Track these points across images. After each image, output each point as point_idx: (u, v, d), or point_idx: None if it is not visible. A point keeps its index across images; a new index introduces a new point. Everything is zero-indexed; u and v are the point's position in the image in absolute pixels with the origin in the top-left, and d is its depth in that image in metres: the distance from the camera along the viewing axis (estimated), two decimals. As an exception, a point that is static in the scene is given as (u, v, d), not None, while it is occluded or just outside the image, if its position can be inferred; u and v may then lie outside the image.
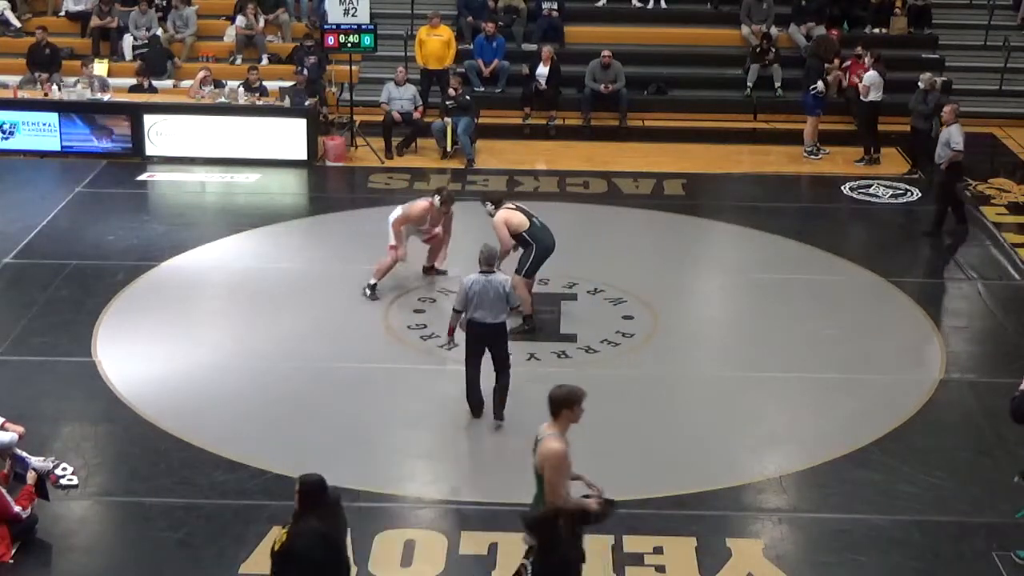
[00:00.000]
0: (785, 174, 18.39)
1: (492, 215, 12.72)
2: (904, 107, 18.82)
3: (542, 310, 13.10)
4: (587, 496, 7.57)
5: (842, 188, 17.47)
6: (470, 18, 21.64)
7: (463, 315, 10.61)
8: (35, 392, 11.22)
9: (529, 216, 12.76)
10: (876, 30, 22.30)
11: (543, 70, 20.18)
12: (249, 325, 12.83)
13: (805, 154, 18.97)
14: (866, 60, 18.97)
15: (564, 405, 7.62)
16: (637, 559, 8.95)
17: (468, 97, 18.67)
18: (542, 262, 12.70)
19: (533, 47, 21.22)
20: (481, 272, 10.51)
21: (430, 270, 13.91)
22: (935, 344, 12.59)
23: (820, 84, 18.83)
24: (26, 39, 21.02)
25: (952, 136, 15.44)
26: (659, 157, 18.90)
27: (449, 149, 18.44)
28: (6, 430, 9.20)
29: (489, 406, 10.80)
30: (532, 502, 7.62)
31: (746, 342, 12.71)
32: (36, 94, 18.79)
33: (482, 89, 20.70)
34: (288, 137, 18.07)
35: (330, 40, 18.43)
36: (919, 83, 17.81)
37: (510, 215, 12.67)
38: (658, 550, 9.05)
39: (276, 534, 7.39)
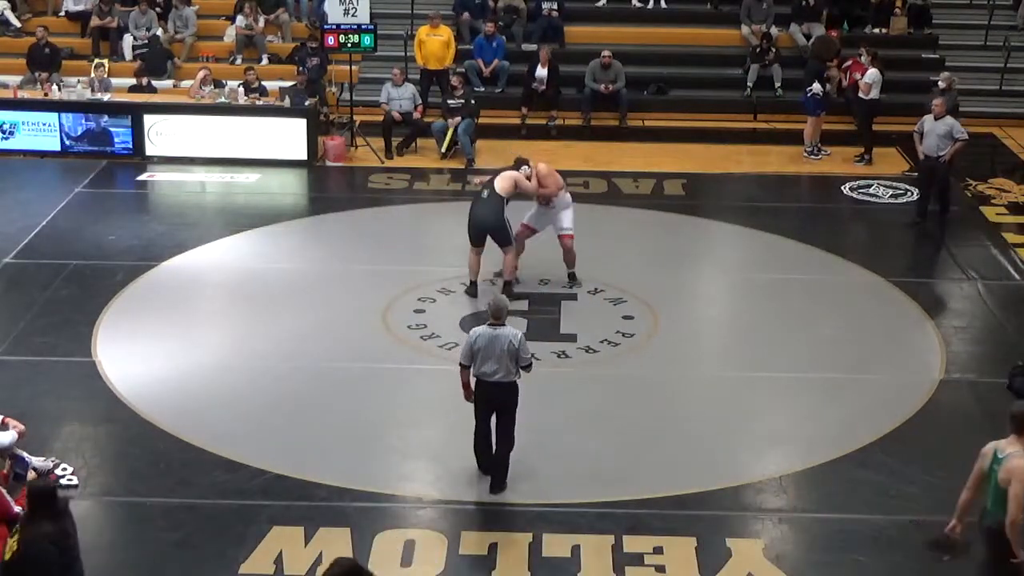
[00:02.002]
0: (785, 174, 18.39)
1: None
2: (905, 107, 18.86)
3: (542, 310, 13.12)
4: None
5: (842, 188, 17.46)
6: (465, 15, 21.60)
7: (471, 369, 9.70)
8: (35, 392, 11.22)
9: (484, 187, 13.26)
10: (876, 30, 22.29)
11: (542, 72, 20.15)
12: (249, 325, 12.83)
13: (805, 154, 18.96)
14: (863, 59, 18.99)
15: None
16: (637, 559, 8.95)
17: (473, 101, 18.64)
18: (469, 236, 13.18)
19: (533, 47, 21.21)
20: (488, 325, 9.65)
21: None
22: (935, 344, 12.59)
23: (816, 86, 18.78)
24: (26, 39, 21.00)
25: (954, 126, 15.62)
26: (659, 157, 18.90)
27: (447, 150, 18.42)
28: (7, 427, 9.18)
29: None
30: (988, 510, 7.80)
31: (746, 342, 12.71)
32: (36, 94, 18.79)
33: (482, 89, 20.70)
34: (288, 137, 18.07)
35: (330, 40, 18.42)
36: (939, 82, 17.78)
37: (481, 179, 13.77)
38: (658, 550, 9.05)
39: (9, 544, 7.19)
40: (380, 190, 17.23)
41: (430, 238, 15.72)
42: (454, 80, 18.81)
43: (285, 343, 12.37)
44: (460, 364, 9.76)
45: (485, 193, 13.13)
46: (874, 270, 14.43)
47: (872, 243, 15.81)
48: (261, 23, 21.49)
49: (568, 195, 13.74)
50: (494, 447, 9.80)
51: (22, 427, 9.25)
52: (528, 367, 9.71)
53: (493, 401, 9.67)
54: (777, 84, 21.11)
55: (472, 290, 13.23)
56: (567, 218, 13.60)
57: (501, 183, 13.12)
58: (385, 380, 11.59)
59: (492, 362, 9.52)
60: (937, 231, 15.92)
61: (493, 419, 9.78)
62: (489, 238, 13.19)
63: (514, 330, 9.70)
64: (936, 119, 15.68)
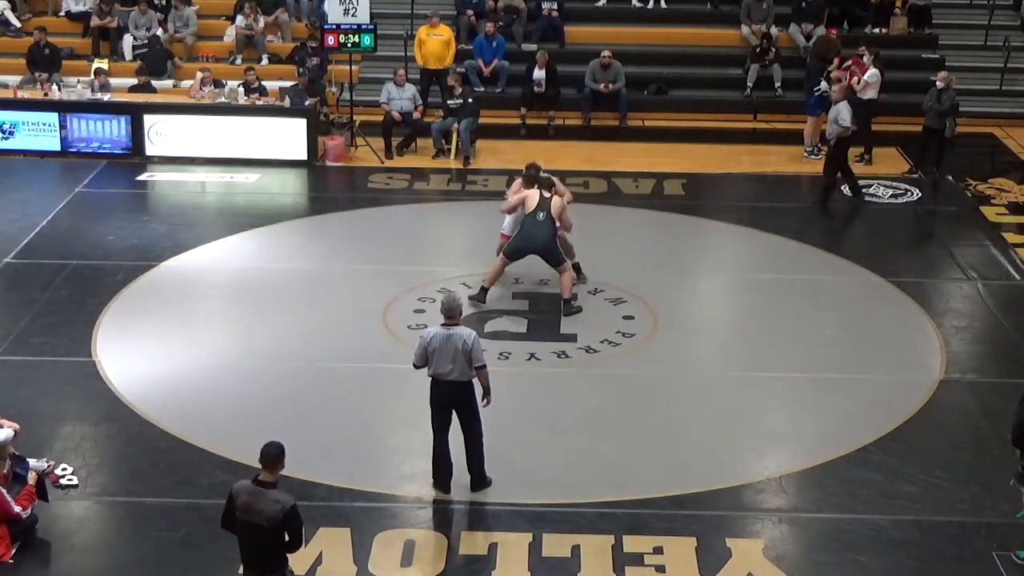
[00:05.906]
0: (785, 174, 18.39)
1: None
2: (905, 107, 18.86)
3: (542, 310, 13.12)
4: None
5: (842, 188, 17.45)
6: (471, 15, 21.57)
7: (424, 371, 9.60)
8: (35, 392, 11.22)
9: (538, 208, 13.03)
10: (876, 30, 22.29)
11: (539, 74, 20.12)
12: (249, 325, 12.83)
13: (805, 154, 18.97)
14: (864, 59, 19.00)
15: None
16: (637, 559, 8.95)
17: (470, 100, 18.62)
18: (513, 251, 13.10)
19: (533, 47, 21.21)
20: (442, 325, 9.52)
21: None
22: (935, 344, 12.59)
23: (824, 84, 18.82)
24: (26, 39, 20.99)
25: (840, 113, 16.54)
26: (659, 157, 18.90)
27: (454, 157, 18.42)
28: (1, 426, 9.18)
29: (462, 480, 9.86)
30: None
31: (746, 342, 12.70)
32: (36, 94, 18.79)
33: (482, 89, 20.71)
34: (288, 137, 18.08)
35: (330, 40, 18.43)
36: (936, 82, 17.78)
37: (529, 195, 13.17)
38: (658, 550, 9.05)
39: None
40: (380, 190, 17.23)
41: (430, 238, 15.73)
42: (451, 80, 18.80)
43: (285, 343, 12.37)
44: (413, 366, 9.65)
45: (541, 216, 12.98)
46: (874, 270, 14.43)
47: (872, 243, 15.80)
48: (261, 23, 21.49)
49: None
50: (467, 457, 9.71)
51: (16, 426, 9.27)
52: (482, 368, 9.55)
53: (451, 401, 9.55)
54: (777, 84, 21.11)
55: (482, 296, 13.04)
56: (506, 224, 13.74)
57: (553, 208, 13.09)
58: (385, 380, 11.58)
59: (447, 362, 9.41)
60: (938, 231, 15.94)
61: (451, 431, 9.66)
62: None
63: (468, 330, 9.56)
64: (834, 104, 16.68)
